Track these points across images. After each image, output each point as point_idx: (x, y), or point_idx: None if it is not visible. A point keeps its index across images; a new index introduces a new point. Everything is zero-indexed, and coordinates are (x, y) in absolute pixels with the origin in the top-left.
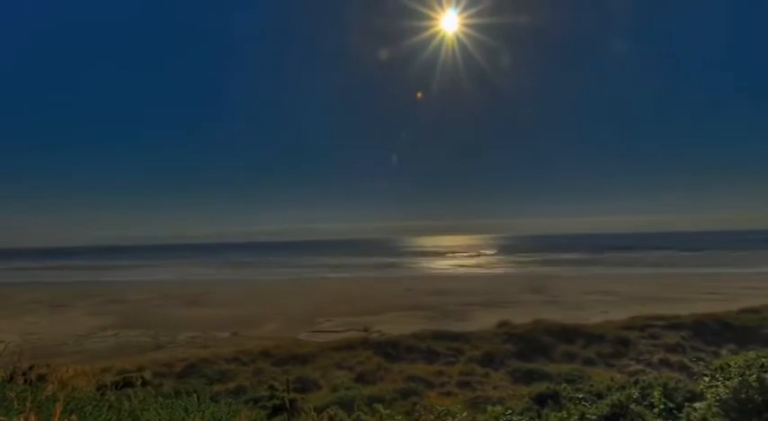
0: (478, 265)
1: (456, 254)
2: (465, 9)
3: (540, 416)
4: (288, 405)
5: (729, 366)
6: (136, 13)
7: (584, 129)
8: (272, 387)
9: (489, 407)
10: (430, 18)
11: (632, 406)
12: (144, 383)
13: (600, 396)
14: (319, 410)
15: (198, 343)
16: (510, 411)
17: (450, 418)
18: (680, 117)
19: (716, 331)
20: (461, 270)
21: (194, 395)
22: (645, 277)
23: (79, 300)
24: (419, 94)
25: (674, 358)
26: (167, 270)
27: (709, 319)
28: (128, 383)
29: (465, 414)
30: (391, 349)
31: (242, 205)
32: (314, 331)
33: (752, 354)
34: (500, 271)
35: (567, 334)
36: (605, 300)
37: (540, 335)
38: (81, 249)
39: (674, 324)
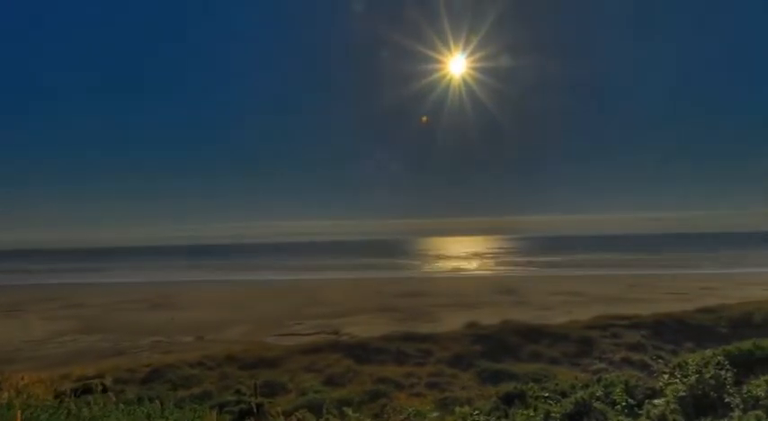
0: (463, 267)
1: (449, 255)
2: (472, 53)
3: (507, 416)
4: (255, 409)
5: (687, 364)
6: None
7: (585, 142)
8: (238, 391)
9: (458, 408)
10: (438, 61)
11: (595, 403)
12: (104, 390)
13: (564, 394)
14: (287, 414)
15: (161, 347)
16: (477, 411)
17: (420, 419)
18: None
19: (675, 330)
20: (443, 272)
21: (157, 401)
22: (612, 278)
23: (37, 303)
24: (424, 118)
25: (635, 356)
26: (135, 273)
27: (668, 319)
28: (87, 390)
29: (436, 414)
30: (361, 351)
31: (240, 207)
32: (283, 334)
33: (708, 353)
34: (481, 272)
35: (534, 334)
36: (572, 300)
37: (508, 335)
38: (50, 252)
39: (635, 323)
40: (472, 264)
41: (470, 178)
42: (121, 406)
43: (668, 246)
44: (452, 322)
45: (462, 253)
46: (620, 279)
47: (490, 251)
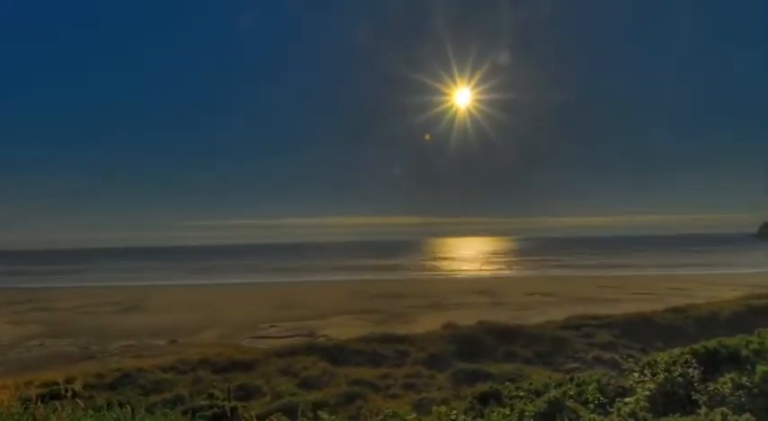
0: (447, 268)
1: (438, 256)
2: (476, 86)
3: (482, 415)
4: (228, 413)
5: (656, 362)
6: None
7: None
8: (211, 395)
9: (435, 408)
10: (444, 93)
11: (568, 402)
12: (74, 395)
13: (538, 394)
14: (261, 418)
15: (133, 352)
16: (454, 411)
17: (396, 420)
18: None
19: (644, 329)
20: (426, 273)
21: (128, 406)
22: (588, 279)
23: (3, 307)
24: (427, 137)
25: (606, 355)
26: (106, 275)
27: (638, 318)
28: (55, 396)
29: (414, 415)
30: (337, 353)
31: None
32: (258, 337)
33: (676, 351)
34: (464, 274)
35: (510, 334)
36: (548, 301)
37: (484, 336)
38: (15, 253)
39: (607, 323)
40: (458, 265)
41: (471, 186)
42: (90, 411)
43: (643, 248)
44: (430, 323)
45: (451, 254)
46: (596, 280)
47: (479, 252)
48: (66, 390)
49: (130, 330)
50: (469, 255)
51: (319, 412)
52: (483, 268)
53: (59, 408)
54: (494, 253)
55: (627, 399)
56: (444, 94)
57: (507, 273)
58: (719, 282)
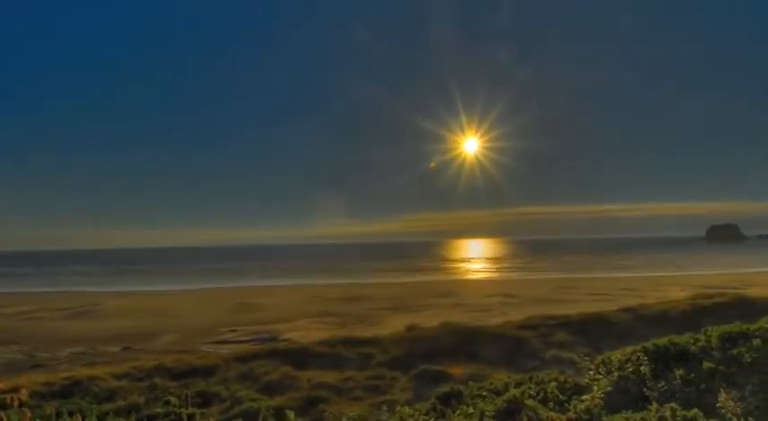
0: (416, 271)
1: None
2: (484, 134)
3: (444, 416)
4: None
5: (611, 361)
6: None
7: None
8: (167, 402)
9: (399, 408)
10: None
11: (527, 401)
12: (20, 405)
13: (499, 393)
14: None
15: (84, 359)
16: (417, 411)
17: None
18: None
19: (599, 329)
20: (396, 277)
21: (78, 416)
22: (547, 281)
23: None
24: (432, 164)
25: (564, 355)
26: (54, 279)
27: (593, 318)
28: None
29: (375, 418)
30: (300, 357)
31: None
32: (218, 342)
33: (629, 350)
34: (433, 277)
35: (471, 335)
36: (508, 302)
37: (446, 337)
38: None
39: (564, 323)
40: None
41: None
42: None
43: (599, 251)
44: (393, 325)
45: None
46: (555, 282)
47: (457, 256)
48: (12, 400)
49: (81, 336)
50: (450, 257)
51: (287, 411)
52: (454, 270)
53: (4, 418)
54: (470, 256)
55: (583, 397)
56: (453, 141)
57: (474, 275)
58: (669, 282)
